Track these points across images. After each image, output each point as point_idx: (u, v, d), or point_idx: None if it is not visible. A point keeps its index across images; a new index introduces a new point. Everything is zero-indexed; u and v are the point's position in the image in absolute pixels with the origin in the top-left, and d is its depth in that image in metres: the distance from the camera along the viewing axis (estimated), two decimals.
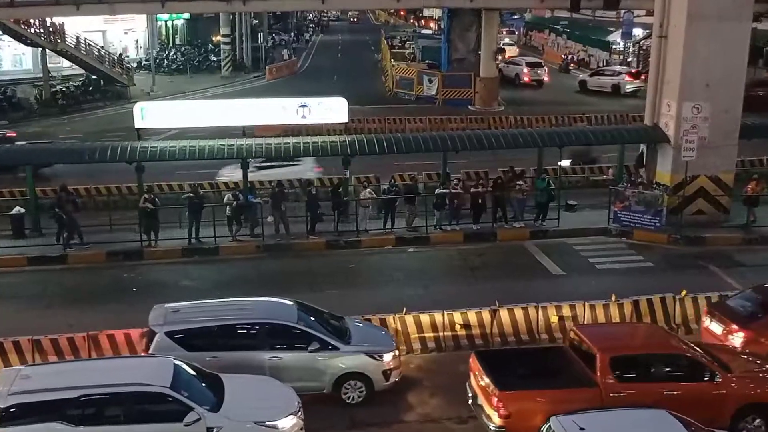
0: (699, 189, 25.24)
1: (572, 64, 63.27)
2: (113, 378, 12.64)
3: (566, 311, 17.66)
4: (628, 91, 51.20)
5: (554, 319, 17.56)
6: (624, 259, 23.20)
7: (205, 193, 26.34)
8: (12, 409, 12.04)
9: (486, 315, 17.38)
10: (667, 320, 18.02)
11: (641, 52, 56.99)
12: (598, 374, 13.73)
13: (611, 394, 13.56)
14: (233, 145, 24.81)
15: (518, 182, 25.85)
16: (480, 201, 25.17)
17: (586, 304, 17.75)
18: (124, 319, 17.51)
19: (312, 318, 15.67)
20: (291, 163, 28.17)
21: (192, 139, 26.08)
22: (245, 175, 25.23)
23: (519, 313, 17.52)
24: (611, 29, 63.88)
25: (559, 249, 24.03)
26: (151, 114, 25.99)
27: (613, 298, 17.91)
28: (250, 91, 50.24)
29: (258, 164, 28.10)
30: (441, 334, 17.21)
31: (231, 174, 27.88)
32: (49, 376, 12.83)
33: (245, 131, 28.37)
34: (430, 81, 48.59)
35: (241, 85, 55.52)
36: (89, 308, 19.55)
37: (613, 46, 61.61)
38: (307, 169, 28.95)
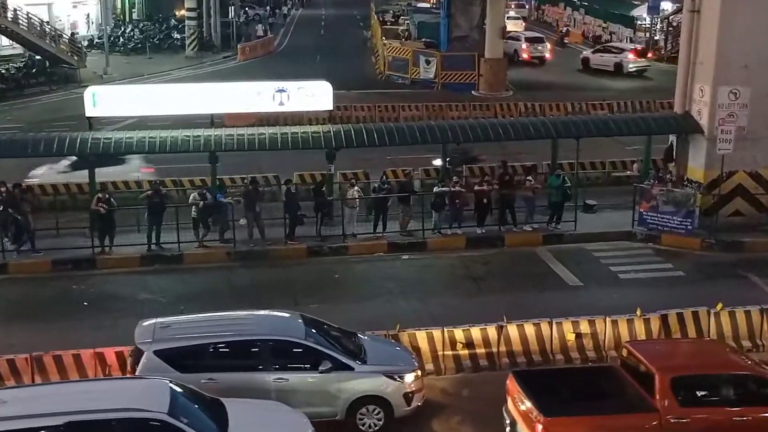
0: (737, 187, 25.33)
1: (566, 38, 63.51)
2: (102, 402, 12.50)
3: (584, 327, 17.65)
4: (631, 70, 51.37)
5: (570, 336, 17.54)
6: (651, 268, 23.23)
7: (168, 191, 26.27)
8: None
9: (492, 332, 17.36)
10: (700, 336, 18.01)
11: (670, 29, 57.20)
12: (657, 397, 13.66)
13: (672, 420, 13.50)
14: (199, 136, 24.75)
15: (527, 178, 25.86)
16: (485, 201, 25.20)
17: (608, 319, 17.76)
18: (73, 338, 17.43)
19: (321, 333, 15.63)
20: (114, 162, 27.68)
21: (152, 129, 26.02)
22: (214, 171, 25.23)
23: (530, 329, 17.51)
24: (636, 3, 64.11)
25: (575, 256, 24.05)
26: (105, 100, 25.86)
27: (638, 312, 17.91)
28: (220, 74, 50.20)
29: (72, 163, 27.59)
30: (441, 353, 17.19)
31: (45, 174, 27.40)
32: (28, 400, 12.79)
33: (213, 120, 28.26)
34: (428, 62, 48.66)
35: (208, 66, 55.46)
36: (32, 325, 19.45)
37: (638, 22, 61.79)
38: (132, 168, 28.43)
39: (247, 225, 24.35)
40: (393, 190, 25.49)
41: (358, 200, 25.00)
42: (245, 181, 26.15)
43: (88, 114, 25.85)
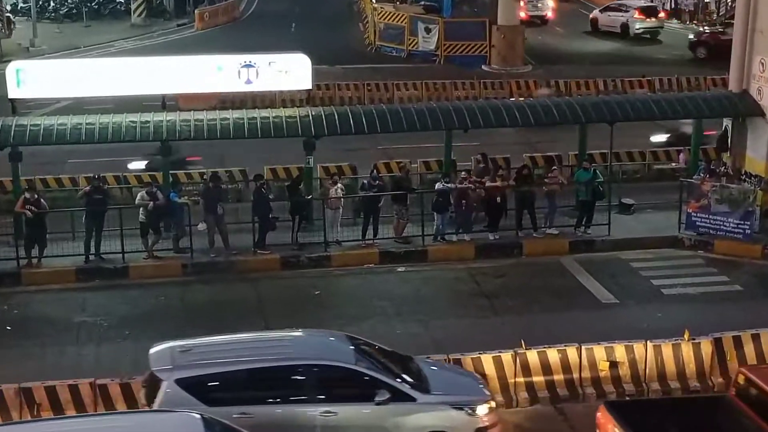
0: None
1: None
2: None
3: (620, 354, 17.67)
4: (637, 31, 51.56)
5: (604, 365, 17.56)
6: (701, 281, 23.29)
7: (110, 189, 26.24)
8: None
9: (507, 359, 17.41)
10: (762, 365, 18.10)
11: None
12: None
13: None
14: (148, 122, 24.73)
15: (551, 172, 25.96)
16: (499, 200, 25.26)
17: (649, 344, 17.78)
18: None
19: (373, 357, 15.70)
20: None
21: (90, 113, 25.95)
22: (165, 167, 25.24)
23: (553, 356, 17.52)
24: None
25: (609, 267, 24.10)
26: (32, 78, 25.82)
27: (686, 335, 17.95)
28: (173, 46, 50.12)
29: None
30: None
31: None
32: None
33: (165, 102, 28.28)
34: (428, 30, 48.71)
35: (159, 37, 55.40)
36: None
37: None
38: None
39: (208, 231, 24.31)
40: (385, 188, 25.52)
41: (342, 200, 25.02)
42: (205, 177, 26.14)
43: (11, 95, 25.79)
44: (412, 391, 15.01)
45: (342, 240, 24.89)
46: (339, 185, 25.11)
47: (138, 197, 24.33)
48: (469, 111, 26.10)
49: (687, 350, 17.83)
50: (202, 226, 24.35)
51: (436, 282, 23.64)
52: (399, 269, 24.20)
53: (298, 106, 28.42)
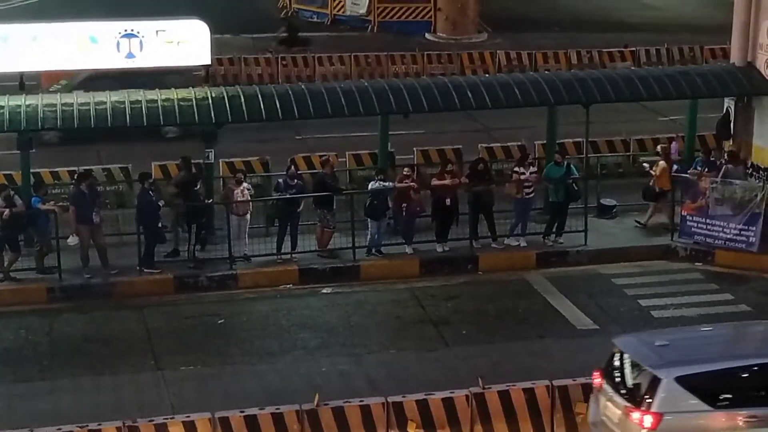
0: None
1: None
2: None
3: None
4: None
5: (581, 409, 17.65)
6: (700, 300, 23.58)
7: None
8: None
9: (461, 402, 17.46)
10: None
11: None
12: None
13: None
14: (2, 106, 24.43)
15: (517, 169, 26.14)
16: (448, 203, 25.41)
17: None
18: None
19: None
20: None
21: None
22: (26, 162, 25.05)
23: (519, 397, 17.57)
24: None
25: (587, 284, 24.34)
26: None
27: None
28: (31, 9, 49.58)
29: None
30: None
31: None
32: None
33: (24, 82, 27.98)
34: None
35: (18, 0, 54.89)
36: None
37: None
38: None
39: (80, 245, 24.15)
40: (306, 189, 25.55)
41: (251, 204, 25.01)
42: (76, 176, 25.93)
43: None
44: None
45: (252, 255, 24.89)
46: (246, 185, 25.07)
47: None
48: (410, 91, 26.13)
49: None
50: (73, 240, 24.16)
51: (371, 306, 23.68)
52: (324, 291, 24.24)
53: (194, 87, 28.25)
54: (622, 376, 16.54)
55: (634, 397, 15.96)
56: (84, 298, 23.59)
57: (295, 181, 25.32)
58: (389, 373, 20.07)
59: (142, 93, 25.98)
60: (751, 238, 25.00)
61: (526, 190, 25.71)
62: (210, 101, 25.18)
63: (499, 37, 45.80)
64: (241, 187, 24.86)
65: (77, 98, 25.18)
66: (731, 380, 15.94)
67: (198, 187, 25.16)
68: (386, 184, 25.33)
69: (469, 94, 26.19)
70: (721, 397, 15.82)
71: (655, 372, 15.89)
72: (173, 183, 25.61)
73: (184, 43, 26.40)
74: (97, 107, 24.77)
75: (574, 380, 17.90)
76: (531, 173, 25.88)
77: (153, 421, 16.94)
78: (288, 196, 25.03)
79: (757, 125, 26.40)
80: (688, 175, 26.06)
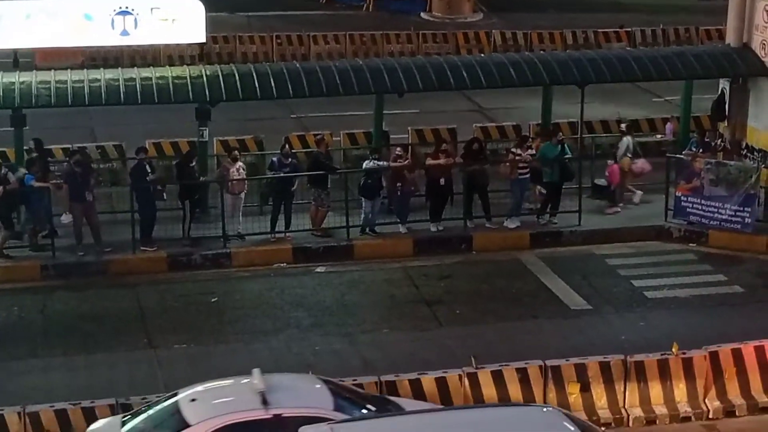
0: None
1: None
2: None
3: (594, 373, 17.83)
4: None
5: (574, 388, 17.73)
6: (693, 281, 23.61)
7: None
8: None
9: (454, 381, 17.48)
10: (767, 385, 18.40)
11: None
12: None
13: None
14: None
15: (514, 149, 26.12)
16: (443, 183, 25.37)
17: (630, 359, 17.96)
18: None
19: None
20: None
21: None
22: (19, 140, 25.00)
23: (511, 376, 17.60)
24: None
25: (581, 264, 24.35)
26: None
27: (674, 348, 18.16)
28: None
29: None
30: None
31: None
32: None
33: (18, 59, 27.95)
34: None
35: None
36: None
37: None
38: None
39: (74, 222, 24.12)
40: (300, 168, 25.50)
41: (246, 183, 24.98)
42: (70, 154, 25.89)
43: None
44: None
45: (246, 233, 24.86)
46: (240, 164, 25.04)
47: None
48: (405, 70, 26.13)
49: (676, 367, 18.03)
50: (66, 217, 24.11)
51: (364, 285, 23.69)
52: (318, 269, 24.22)
53: (188, 65, 28.22)
54: None
55: None
56: (77, 276, 23.57)
57: (290, 159, 25.28)
58: (382, 353, 20.08)
59: (137, 71, 25.97)
60: (746, 219, 24.99)
61: (521, 171, 25.66)
62: (204, 79, 25.16)
63: (495, 17, 45.70)
64: (236, 166, 24.83)
65: (71, 75, 25.11)
66: None
67: (193, 164, 25.12)
68: (381, 163, 25.31)
69: (464, 74, 26.18)
70: None
71: None
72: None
73: (179, 20, 26.43)
74: (91, 84, 24.73)
75: (567, 360, 17.96)
76: (528, 153, 25.81)
77: (146, 399, 16.95)
78: (282, 174, 24.98)
79: (752, 106, 26.42)
80: (682, 156, 26.03)
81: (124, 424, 15.72)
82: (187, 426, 14.90)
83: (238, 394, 15.57)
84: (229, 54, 37.27)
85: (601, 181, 27.08)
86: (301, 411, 15.00)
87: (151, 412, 15.84)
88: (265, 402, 15.00)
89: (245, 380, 15.68)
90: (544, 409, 15.52)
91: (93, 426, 16.07)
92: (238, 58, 36.65)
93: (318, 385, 16.00)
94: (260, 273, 24.01)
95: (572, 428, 14.19)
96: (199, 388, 15.94)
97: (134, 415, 15.89)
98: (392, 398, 16.69)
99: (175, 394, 15.84)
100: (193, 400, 15.47)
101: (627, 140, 26.35)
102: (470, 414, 15.37)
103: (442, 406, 16.96)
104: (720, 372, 18.16)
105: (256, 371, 15.55)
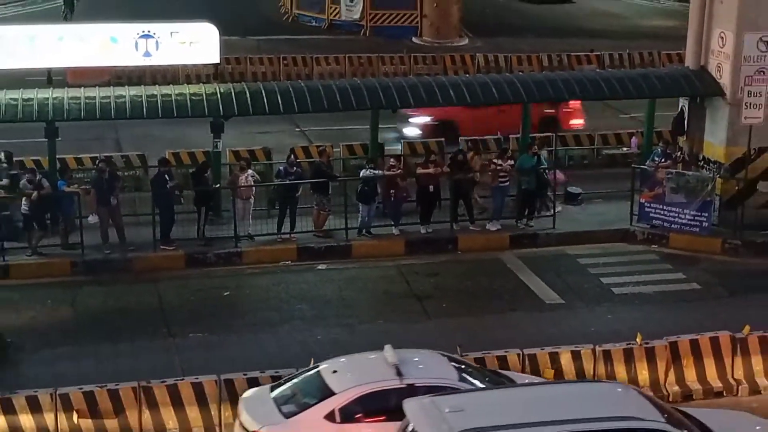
0: None
1: None
2: (590, 410, 14.08)
3: (566, 361, 17.91)
4: None
5: (548, 373, 17.76)
6: (655, 279, 23.67)
7: None
8: None
9: None
10: (722, 373, 18.48)
11: None
12: None
13: None
14: (31, 99, 24.42)
15: (495, 160, 26.16)
16: (431, 189, 25.38)
17: (598, 349, 18.05)
18: None
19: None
20: None
21: None
22: (52, 149, 24.94)
23: (492, 363, 17.65)
24: None
25: (555, 263, 24.39)
26: None
27: (638, 339, 18.24)
28: (58, 12, 49.29)
29: None
30: None
31: None
32: (492, 407, 14.33)
33: (51, 77, 27.90)
34: None
35: (45, 2, 54.57)
36: None
37: None
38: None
39: (100, 224, 24.12)
40: (304, 175, 25.51)
41: (255, 189, 24.97)
42: (97, 162, 25.87)
43: None
44: None
45: (255, 234, 24.86)
46: (250, 172, 25.04)
47: (19, 185, 24.00)
48: (397, 89, 26.18)
49: (639, 355, 18.13)
50: (93, 218, 24.13)
51: (361, 281, 23.72)
52: (320, 267, 24.24)
53: (204, 83, 28.21)
54: None
55: None
56: (104, 272, 23.60)
57: (294, 168, 25.31)
58: (378, 342, 19.84)
59: (158, 88, 25.99)
60: (704, 223, 25.06)
61: (501, 179, 25.68)
62: (218, 96, 25.18)
63: (479, 41, 45.79)
64: (246, 174, 24.83)
65: (99, 92, 25.12)
66: None
67: (207, 173, 25.13)
68: (376, 172, 25.34)
69: (451, 92, 26.21)
70: None
71: None
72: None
73: (196, 43, 26.40)
74: (116, 100, 24.77)
75: (542, 349, 18.08)
76: (508, 164, 25.83)
77: (165, 382, 16.99)
78: (288, 182, 25.01)
79: (709, 123, 26.41)
80: (646, 167, 26.09)
81: (272, 390, 16.19)
82: (333, 394, 15.44)
83: (375, 366, 15.98)
84: (241, 73, 37.30)
85: (574, 189, 27.13)
86: (431, 381, 15.45)
87: (295, 381, 16.29)
88: (399, 373, 15.51)
89: (375, 355, 16.22)
90: (619, 388, 15.90)
91: (246, 393, 16.42)
92: (248, 77, 36.68)
93: (442, 360, 16.40)
94: (268, 270, 24.02)
95: (646, 401, 14.82)
96: (339, 361, 16.41)
97: (280, 384, 16.33)
98: (504, 372, 17.05)
99: (316, 367, 16.29)
100: (335, 371, 15.96)
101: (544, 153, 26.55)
102: (565, 388, 15.85)
103: (545, 380, 17.28)
104: (679, 360, 18.27)
105: (388, 347, 16.06)
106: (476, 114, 29.24)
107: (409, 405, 14.42)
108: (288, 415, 15.44)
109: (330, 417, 15.20)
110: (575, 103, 28.76)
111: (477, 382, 15.80)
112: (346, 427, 15.20)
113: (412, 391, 15.05)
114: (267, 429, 15.29)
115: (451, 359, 16.51)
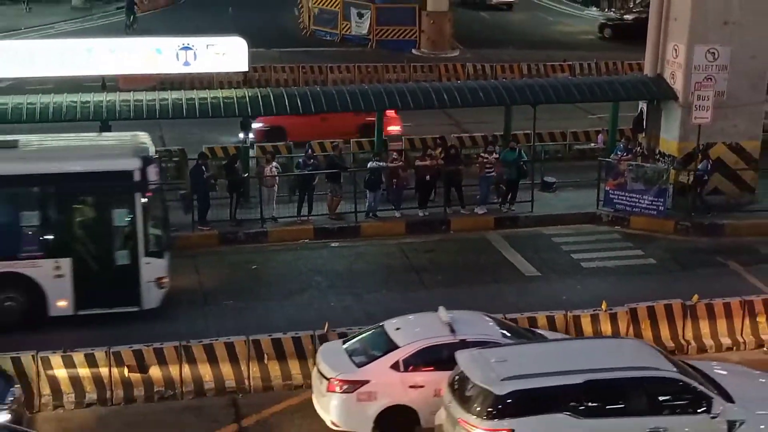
0: (715, 161, 25.82)
1: None
2: (613, 361, 14.41)
3: (542, 324, 17.94)
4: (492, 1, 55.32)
5: None
6: (618, 255, 23.68)
7: None
8: (509, 399, 13.74)
9: None
10: (674, 334, 18.48)
11: None
12: None
13: None
14: (88, 102, 24.41)
15: (483, 153, 26.11)
16: (428, 178, 25.34)
17: (569, 314, 18.11)
18: None
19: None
20: None
21: (31, 93, 25.51)
22: None
23: None
24: None
25: (533, 242, 24.38)
26: None
27: (603, 306, 18.25)
28: (112, 28, 49.35)
29: None
30: None
31: None
32: (530, 358, 14.73)
33: (105, 83, 27.87)
34: (360, 15, 48.54)
35: (100, 19, 54.52)
36: None
37: None
38: None
39: None
40: (320, 167, 25.48)
41: (278, 178, 24.96)
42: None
43: None
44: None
45: (278, 217, 24.84)
46: (275, 164, 25.02)
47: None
48: (399, 93, 26.18)
49: (604, 320, 18.21)
50: None
51: (368, 257, 23.72)
52: (333, 245, 24.24)
53: (235, 88, 28.21)
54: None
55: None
56: None
57: (312, 160, 25.33)
58: (382, 308, 20.11)
59: (196, 92, 26.03)
60: (660, 207, 25.03)
61: (487, 170, 25.64)
62: (247, 99, 25.19)
63: (468, 53, 45.66)
64: (271, 165, 24.81)
65: (146, 96, 25.12)
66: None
67: (237, 164, 25.11)
68: (381, 163, 25.32)
69: (445, 96, 26.22)
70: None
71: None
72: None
73: (228, 54, 26.37)
74: (161, 103, 24.82)
75: (521, 314, 18.14)
76: (493, 157, 25.80)
77: (202, 342, 17.02)
78: (306, 172, 24.99)
79: (664, 122, 26.43)
80: (610, 160, 26.06)
81: (344, 343, 16.44)
82: (397, 347, 15.75)
83: (432, 324, 16.18)
84: (266, 80, 37.17)
85: (549, 178, 27.06)
86: (480, 337, 15.72)
87: (363, 335, 16.56)
88: (452, 330, 15.79)
89: (431, 315, 16.41)
90: (637, 344, 16.26)
91: (322, 347, 16.63)
92: (272, 83, 36.55)
93: (487, 319, 16.70)
94: (289, 247, 24.03)
95: (659, 354, 15.30)
96: (400, 320, 16.60)
97: (350, 339, 16.60)
98: (537, 330, 17.32)
99: (381, 325, 16.50)
100: (398, 328, 16.19)
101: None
102: (591, 343, 16.64)
103: (571, 336, 17.64)
104: (638, 323, 18.35)
105: (441, 308, 16.33)
106: (301, 121, 28.66)
107: (461, 356, 14.79)
108: (360, 365, 15.68)
109: (395, 366, 15.53)
110: (391, 112, 28.53)
111: (516, 338, 16.09)
112: (407, 375, 15.52)
113: (464, 345, 15.34)
114: (343, 376, 15.49)
115: (492, 319, 16.70)
